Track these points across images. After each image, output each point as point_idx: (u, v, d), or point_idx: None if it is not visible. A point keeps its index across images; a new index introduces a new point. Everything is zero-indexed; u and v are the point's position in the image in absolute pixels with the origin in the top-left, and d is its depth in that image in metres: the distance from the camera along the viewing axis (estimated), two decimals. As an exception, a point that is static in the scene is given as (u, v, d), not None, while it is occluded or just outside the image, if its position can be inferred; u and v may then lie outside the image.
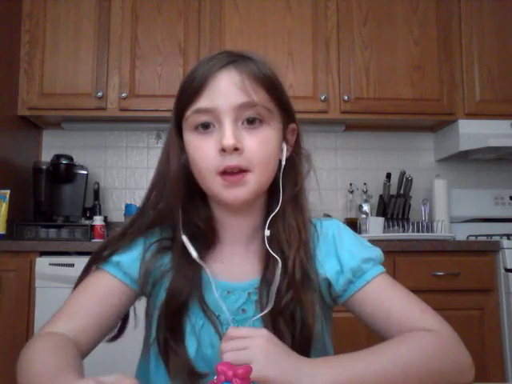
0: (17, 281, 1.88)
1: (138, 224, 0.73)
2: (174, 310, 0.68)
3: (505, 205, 2.55)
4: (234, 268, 0.73)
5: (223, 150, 0.66)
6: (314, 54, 2.34)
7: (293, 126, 0.76)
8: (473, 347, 0.67)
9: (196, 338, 0.69)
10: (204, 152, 0.68)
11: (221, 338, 0.65)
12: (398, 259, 1.96)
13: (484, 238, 2.22)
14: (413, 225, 2.41)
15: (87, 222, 2.24)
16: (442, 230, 2.35)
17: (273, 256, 0.69)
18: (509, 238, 2.05)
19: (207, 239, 0.73)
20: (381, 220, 2.27)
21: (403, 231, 2.37)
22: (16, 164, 2.32)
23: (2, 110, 2.20)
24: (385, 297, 0.70)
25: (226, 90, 0.67)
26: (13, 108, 2.27)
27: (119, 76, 2.30)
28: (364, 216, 2.38)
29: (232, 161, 0.66)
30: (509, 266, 1.95)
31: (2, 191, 2.06)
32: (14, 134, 2.30)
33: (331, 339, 0.77)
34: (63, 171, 2.33)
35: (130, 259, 0.71)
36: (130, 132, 2.60)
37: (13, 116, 2.28)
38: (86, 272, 0.73)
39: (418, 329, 0.66)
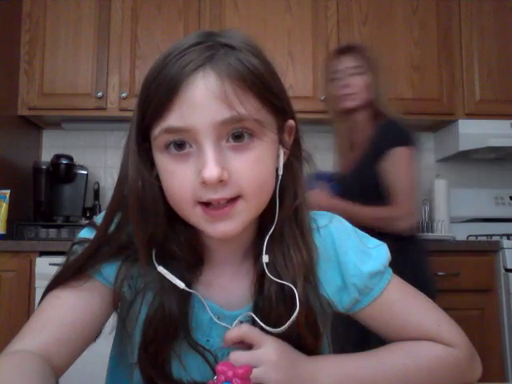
0: (17, 281, 1.88)
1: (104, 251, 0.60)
2: (159, 344, 0.58)
3: (505, 205, 2.54)
4: (224, 291, 0.63)
5: (204, 183, 0.52)
6: (313, 54, 2.34)
7: (290, 122, 0.60)
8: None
9: (181, 363, 0.59)
10: (180, 180, 0.54)
11: (210, 366, 0.59)
12: (398, 259, 1.96)
13: (484, 238, 2.22)
14: (413, 225, 2.40)
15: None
16: (442, 230, 2.35)
17: (269, 280, 0.59)
18: (509, 238, 2.05)
19: (190, 263, 0.61)
20: (381, 220, 2.27)
21: (403, 231, 2.37)
22: (16, 164, 2.32)
23: (2, 110, 2.20)
24: (396, 311, 0.64)
25: (204, 103, 0.51)
26: (13, 108, 2.27)
27: (119, 76, 2.30)
28: (364, 216, 2.38)
29: (216, 194, 0.52)
30: (509, 266, 1.95)
31: (2, 191, 2.06)
32: (14, 134, 2.30)
33: (330, 338, 0.72)
34: (63, 171, 2.33)
35: (110, 267, 0.60)
36: (130, 132, 2.59)
37: (13, 116, 2.28)
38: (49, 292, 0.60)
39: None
